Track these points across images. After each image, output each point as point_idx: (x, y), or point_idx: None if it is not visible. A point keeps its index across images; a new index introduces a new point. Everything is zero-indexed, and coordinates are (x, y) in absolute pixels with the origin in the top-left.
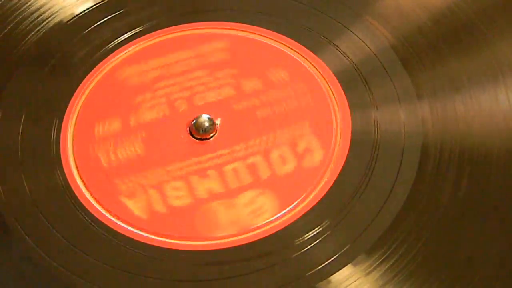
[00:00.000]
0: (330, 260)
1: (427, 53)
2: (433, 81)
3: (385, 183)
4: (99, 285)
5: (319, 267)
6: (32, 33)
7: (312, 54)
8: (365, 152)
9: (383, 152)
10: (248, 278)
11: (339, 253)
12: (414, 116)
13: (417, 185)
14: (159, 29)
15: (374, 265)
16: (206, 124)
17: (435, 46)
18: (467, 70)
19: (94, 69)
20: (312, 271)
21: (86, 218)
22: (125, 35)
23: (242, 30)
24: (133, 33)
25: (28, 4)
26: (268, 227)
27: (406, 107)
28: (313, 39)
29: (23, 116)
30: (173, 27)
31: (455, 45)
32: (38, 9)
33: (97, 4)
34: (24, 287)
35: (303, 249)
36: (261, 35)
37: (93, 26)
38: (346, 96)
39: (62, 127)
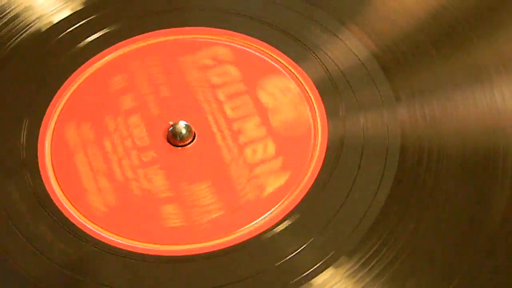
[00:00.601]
0: (312, 264)
1: (406, 59)
2: (412, 86)
3: (366, 186)
4: None
5: (302, 273)
6: (11, 40)
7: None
8: (346, 156)
9: (361, 156)
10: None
11: (321, 258)
12: (393, 119)
13: (396, 187)
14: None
15: (355, 268)
16: (183, 131)
17: (416, 51)
18: (447, 73)
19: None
20: (294, 277)
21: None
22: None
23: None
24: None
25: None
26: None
27: (385, 111)
28: (293, 46)
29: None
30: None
31: (436, 50)
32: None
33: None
34: None
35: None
36: (240, 41)
37: (69, 34)
38: (323, 103)
39: (40, 134)
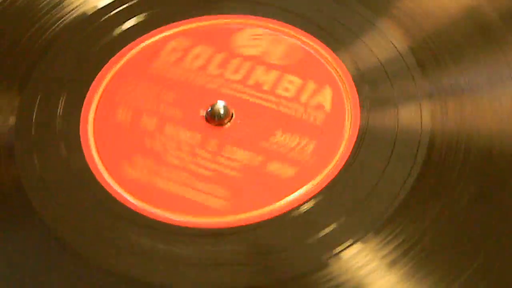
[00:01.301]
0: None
1: (443, 55)
2: (445, 81)
3: (397, 172)
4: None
5: (330, 244)
6: (60, 21)
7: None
8: (377, 144)
9: (393, 146)
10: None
11: (351, 232)
12: (425, 112)
13: (425, 172)
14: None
15: (382, 243)
16: (221, 111)
17: (451, 48)
18: (481, 70)
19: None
20: (323, 248)
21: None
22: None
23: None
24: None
25: None
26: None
27: (416, 105)
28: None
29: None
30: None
31: (471, 47)
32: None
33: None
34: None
35: (316, 228)
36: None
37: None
38: (358, 93)
39: (84, 106)
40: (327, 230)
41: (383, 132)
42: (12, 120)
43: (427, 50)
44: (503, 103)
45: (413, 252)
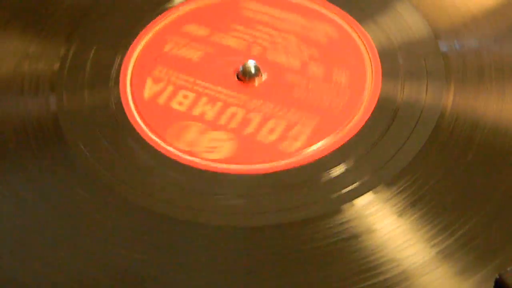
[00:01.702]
0: (355, 187)
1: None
2: (463, 69)
3: (405, 129)
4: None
5: (344, 191)
6: None
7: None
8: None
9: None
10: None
11: (363, 182)
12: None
13: (433, 138)
14: None
15: (393, 195)
16: (252, 70)
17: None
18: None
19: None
20: (338, 194)
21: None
22: None
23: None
24: None
25: None
26: (300, 156)
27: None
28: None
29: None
30: None
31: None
32: None
33: None
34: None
35: (331, 176)
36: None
37: None
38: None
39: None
40: (346, 182)
41: (404, 101)
42: (56, 66)
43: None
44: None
45: (420, 203)
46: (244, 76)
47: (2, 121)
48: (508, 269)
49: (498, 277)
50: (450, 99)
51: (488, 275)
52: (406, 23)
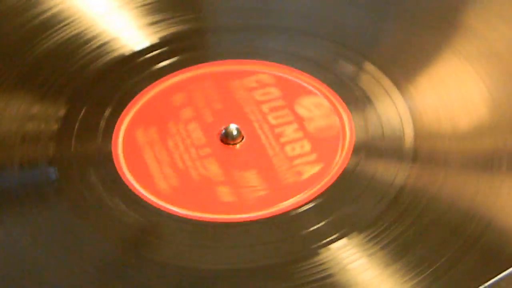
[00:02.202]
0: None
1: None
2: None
3: (382, 180)
4: None
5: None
6: (100, 58)
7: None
8: (368, 156)
9: (381, 157)
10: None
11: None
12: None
13: (407, 185)
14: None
15: (364, 240)
16: (234, 132)
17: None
18: None
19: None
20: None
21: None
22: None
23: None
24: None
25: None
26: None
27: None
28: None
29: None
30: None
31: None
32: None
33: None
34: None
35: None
36: (280, 70)
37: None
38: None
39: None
40: (319, 226)
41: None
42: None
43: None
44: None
45: (390, 247)
46: (227, 138)
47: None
48: None
49: None
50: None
51: None
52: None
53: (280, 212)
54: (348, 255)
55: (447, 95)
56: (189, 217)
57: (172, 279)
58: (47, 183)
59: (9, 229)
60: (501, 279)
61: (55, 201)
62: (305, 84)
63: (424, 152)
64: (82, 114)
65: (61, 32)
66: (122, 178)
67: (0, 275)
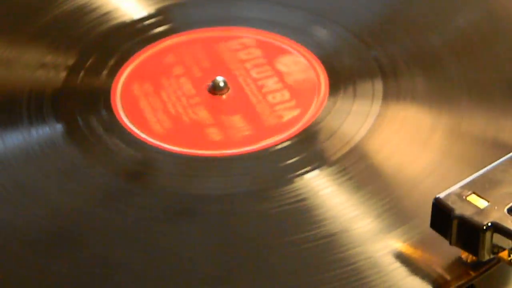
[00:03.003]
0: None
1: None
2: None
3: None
4: None
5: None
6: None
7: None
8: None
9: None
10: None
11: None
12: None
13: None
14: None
15: (333, 172)
16: (221, 84)
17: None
18: None
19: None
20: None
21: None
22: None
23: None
24: None
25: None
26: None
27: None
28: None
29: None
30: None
31: None
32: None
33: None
34: None
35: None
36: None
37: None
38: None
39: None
40: (295, 160)
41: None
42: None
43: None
44: None
45: (355, 179)
46: (215, 89)
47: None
48: (443, 193)
49: (434, 201)
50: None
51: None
52: None
53: (262, 148)
54: (319, 184)
55: (412, 42)
56: (182, 153)
57: (168, 202)
58: (54, 127)
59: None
60: None
61: (62, 143)
62: (284, 46)
63: (391, 95)
64: (88, 64)
65: (72, 1)
66: (120, 121)
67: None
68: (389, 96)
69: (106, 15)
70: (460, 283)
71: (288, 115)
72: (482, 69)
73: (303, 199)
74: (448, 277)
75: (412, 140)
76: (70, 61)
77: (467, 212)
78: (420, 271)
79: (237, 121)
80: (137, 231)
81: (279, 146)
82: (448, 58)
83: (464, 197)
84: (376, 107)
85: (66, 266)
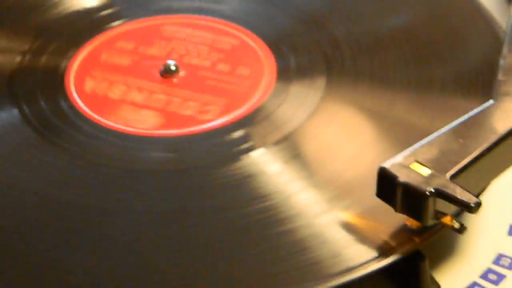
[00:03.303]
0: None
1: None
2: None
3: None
4: None
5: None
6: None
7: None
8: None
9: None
10: None
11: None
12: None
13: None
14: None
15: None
16: (172, 68)
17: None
18: None
19: None
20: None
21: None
22: None
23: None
24: None
25: None
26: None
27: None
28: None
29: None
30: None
31: None
32: None
33: None
34: None
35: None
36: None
37: None
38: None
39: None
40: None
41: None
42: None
43: None
44: None
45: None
46: (166, 73)
47: None
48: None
49: (379, 170)
50: None
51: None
52: None
53: (210, 129)
54: (264, 161)
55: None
56: (123, 131)
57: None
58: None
59: None
60: None
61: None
62: (228, 29)
63: (335, 76)
64: (42, 49)
65: None
66: (75, 105)
67: None
68: (333, 77)
69: (64, 5)
70: (405, 249)
71: (237, 95)
72: (424, 58)
73: (248, 176)
74: (393, 244)
75: (355, 119)
76: (25, 47)
77: (410, 179)
78: (365, 239)
79: (189, 102)
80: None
81: (226, 126)
82: (392, 44)
83: (407, 165)
84: (319, 88)
85: None
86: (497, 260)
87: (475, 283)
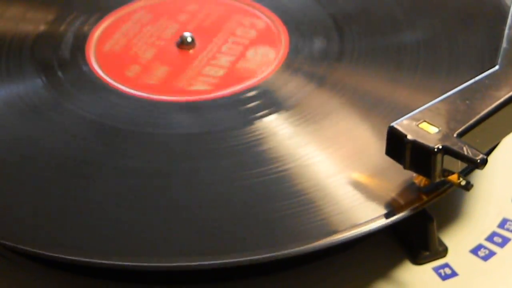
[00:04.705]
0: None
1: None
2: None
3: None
4: None
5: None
6: None
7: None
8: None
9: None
10: None
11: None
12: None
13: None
14: None
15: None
16: (189, 39)
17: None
18: None
19: None
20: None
21: None
22: None
23: None
24: None
25: None
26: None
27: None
28: None
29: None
30: None
31: None
32: None
33: None
34: None
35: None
36: None
37: None
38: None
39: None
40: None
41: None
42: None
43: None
44: None
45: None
46: (183, 44)
47: None
48: (397, 122)
49: (389, 129)
50: None
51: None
52: None
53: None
54: (276, 125)
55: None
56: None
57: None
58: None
59: None
60: None
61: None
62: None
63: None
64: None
65: None
66: (94, 72)
67: None
68: (345, 50)
69: None
70: (413, 206)
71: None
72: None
73: (262, 139)
74: (401, 202)
75: (365, 84)
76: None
77: (419, 137)
78: (374, 197)
79: (205, 71)
80: None
81: (245, 94)
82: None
83: (416, 124)
84: (331, 59)
85: None
86: (502, 224)
87: (480, 245)
